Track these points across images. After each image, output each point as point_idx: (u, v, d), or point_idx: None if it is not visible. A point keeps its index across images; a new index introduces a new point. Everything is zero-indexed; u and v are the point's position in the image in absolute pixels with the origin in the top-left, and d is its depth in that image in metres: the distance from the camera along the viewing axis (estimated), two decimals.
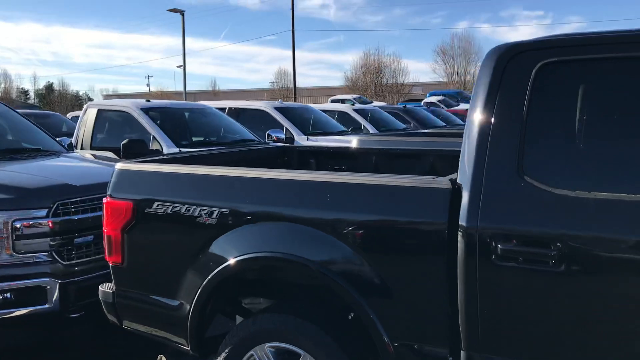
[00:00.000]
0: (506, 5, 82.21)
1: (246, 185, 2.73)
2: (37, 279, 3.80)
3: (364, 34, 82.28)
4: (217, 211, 2.74)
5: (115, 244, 3.07)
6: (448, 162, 4.00)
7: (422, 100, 34.34)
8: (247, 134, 7.82)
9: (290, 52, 37.89)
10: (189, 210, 2.82)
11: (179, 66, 44.77)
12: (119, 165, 3.14)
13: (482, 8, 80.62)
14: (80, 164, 5.17)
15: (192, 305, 2.82)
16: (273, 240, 2.61)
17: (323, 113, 10.74)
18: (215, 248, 2.76)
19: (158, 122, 6.85)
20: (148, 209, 2.94)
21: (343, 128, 10.56)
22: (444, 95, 36.73)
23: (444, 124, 15.65)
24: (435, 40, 77.45)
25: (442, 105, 28.13)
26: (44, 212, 3.85)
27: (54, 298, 3.81)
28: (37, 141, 5.50)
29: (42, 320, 3.87)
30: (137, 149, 6.28)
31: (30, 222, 3.81)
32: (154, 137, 6.71)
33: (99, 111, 7.26)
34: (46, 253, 3.86)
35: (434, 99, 34.28)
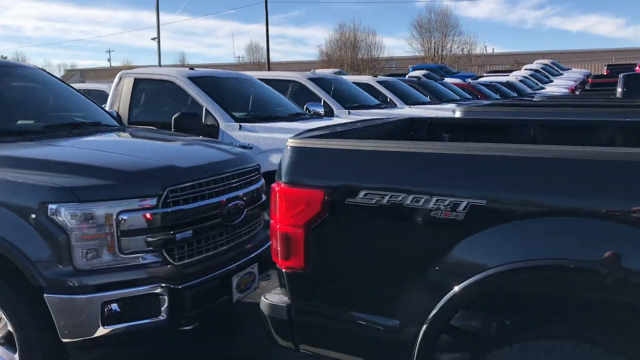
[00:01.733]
0: None
1: (525, 167, 2.02)
2: (147, 285, 3.03)
3: (327, 7, 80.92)
4: (465, 203, 2.03)
5: (294, 244, 2.33)
6: (633, 135, 3.36)
7: (404, 74, 33.68)
8: (295, 107, 7.03)
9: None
10: (418, 201, 2.10)
11: (153, 39, 43.09)
12: (295, 142, 2.39)
13: None
14: (169, 141, 4.36)
15: (425, 326, 2.12)
16: (572, 241, 1.92)
17: (353, 84, 9.95)
18: (463, 252, 2.06)
19: (208, 93, 6.00)
20: (350, 200, 2.21)
21: (377, 101, 9.82)
22: (427, 69, 36.17)
23: (458, 97, 15.09)
24: (405, 16, 76.47)
25: (438, 78, 27.55)
26: (153, 201, 3.07)
27: (166, 307, 3.06)
28: (89, 113, 4.64)
29: (153, 335, 3.12)
30: (191, 124, 5.47)
31: (138, 214, 3.03)
32: (207, 110, 5.89)
33: (137, 81, 6.35)
34: (156, 253, 3.09)
35: (418, 73, 33.69)
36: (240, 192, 3.60)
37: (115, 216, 2.96)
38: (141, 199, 3.04)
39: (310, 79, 8.69)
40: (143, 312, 3.01)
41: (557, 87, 26.62)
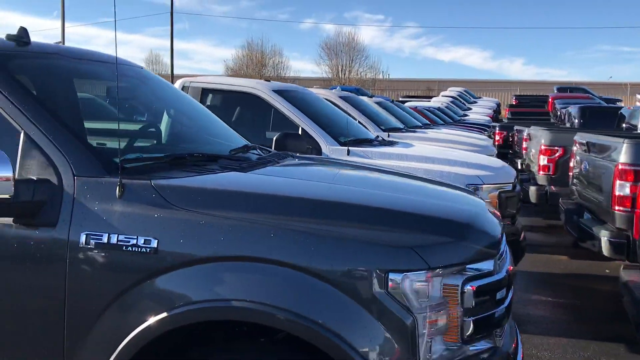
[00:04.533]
0: (350, 7, 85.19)
1: None
2: None
3: (211, 23, 79.97)
4: None
5: None
6: None
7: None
8: (358, 125, 6.23)
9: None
10: None
11: (58, 42, 39.52)
12: None
13: (327, 8, 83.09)
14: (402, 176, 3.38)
15: None
16: None
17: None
18: None
19: (301, 110, 5.09)
20: None
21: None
22: (344, 90, 36.23)
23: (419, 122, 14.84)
24: (294, 38, 77.35)
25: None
26: (490, 264, 2.24)
27: None
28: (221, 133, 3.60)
29: None
30: (295, 146, 4.56)
31: (483, 283, 2.17)
32: (303, 130, 4.96)
33: (205, 91, 5.27)
34: (489, 337, 2.25)
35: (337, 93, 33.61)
36: None
37: (460, 288, 2.09)
38: (484, 261, 2.20)
39: (342, 98, 7.90)
40: None
41: (478, 114, 27.61)
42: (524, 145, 11.34)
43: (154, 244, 2.04)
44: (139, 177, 2.20)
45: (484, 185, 4.45)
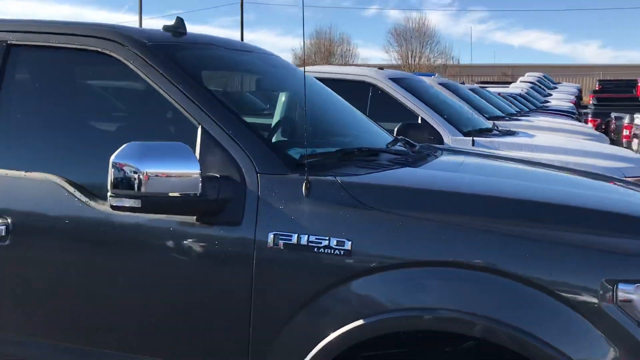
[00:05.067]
0: None
1: None
2: None
3: (276, 12, 79.78)
4: None
5: None
6: None
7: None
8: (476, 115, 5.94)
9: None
10: None
11: None
12: None
13: None
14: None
15: None
16: None
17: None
18: None
19: (420, 99, 4.88)
20: None
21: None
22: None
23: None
24: (359, 25, 76.43)
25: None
26: None
27: None
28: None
29: None
30: (413, 137, 4.36)
31: None
32: (423, 120, 4.75)
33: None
34: None
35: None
36: None
37: None
38: None
39: (442, 85, 7.61)
40: None
41: (560, 100, 26.46)
42: (625, 132, 10.74)
43: (348, 245, 1.90)
44: (322, 174, 2.08)
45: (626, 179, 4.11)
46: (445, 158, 2.85)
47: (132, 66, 2.23)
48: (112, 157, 1.91)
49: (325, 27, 73.97)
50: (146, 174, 1.89)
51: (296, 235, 1.96)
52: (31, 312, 2.30)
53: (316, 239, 1.93)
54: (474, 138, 4.67)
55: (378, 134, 3.18)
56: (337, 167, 2.22)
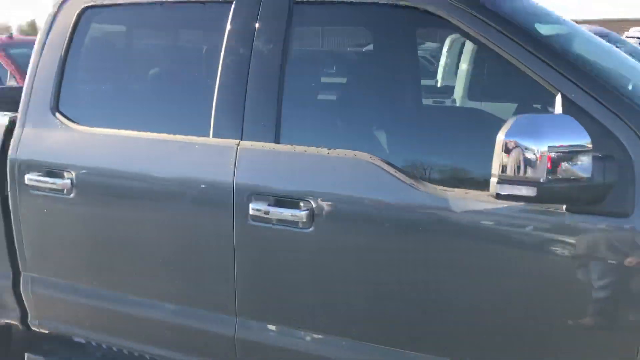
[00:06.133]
0: None
1: None
2: None
3: None
4: None
5: None
6: None
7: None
8: None
9: None
10: None
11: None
12: None
13: None
14: None
15: None
16: None
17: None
18: None
19: None
20: None
21: None
22: None
23: None
24: None
25: None
26: None
27: None
28: None
29: None
30: None
31: None
32: None
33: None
34: None
35: None
36: None
37: None
38: None
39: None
40: None
41: None
42: None
43: None
44: None
45: None
46: None
47: (464, 27, 1.86)
48: (501, 134, 1.56)
49: None
50: (543, 154, 1.53)
51: None
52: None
53: None
54: None
55: None
56: None
